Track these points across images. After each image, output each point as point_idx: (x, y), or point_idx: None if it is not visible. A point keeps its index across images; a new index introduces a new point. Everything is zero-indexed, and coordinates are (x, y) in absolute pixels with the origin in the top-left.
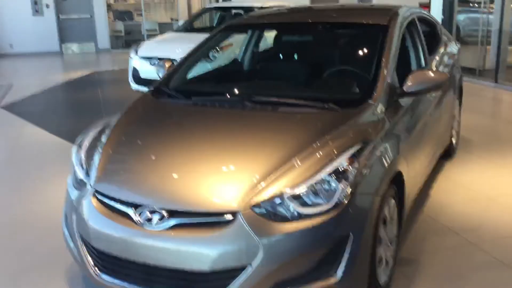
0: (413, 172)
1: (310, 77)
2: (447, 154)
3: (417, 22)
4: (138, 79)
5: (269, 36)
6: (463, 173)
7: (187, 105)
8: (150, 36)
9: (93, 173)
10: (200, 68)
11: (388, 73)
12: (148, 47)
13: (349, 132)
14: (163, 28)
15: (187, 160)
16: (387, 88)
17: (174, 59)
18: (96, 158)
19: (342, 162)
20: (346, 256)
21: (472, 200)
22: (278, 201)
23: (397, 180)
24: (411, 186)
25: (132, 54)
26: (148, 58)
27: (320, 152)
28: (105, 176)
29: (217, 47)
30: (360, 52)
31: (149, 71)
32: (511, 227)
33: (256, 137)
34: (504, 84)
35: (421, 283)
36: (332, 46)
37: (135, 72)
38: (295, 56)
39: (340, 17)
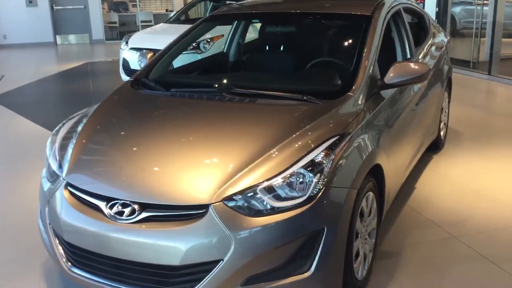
0: (394, 164)
1: (291, 69)
2: (435, 146)
3: (402, 12)
4: (129, 71)
5: (257, 27)
6: (450, 166)
7: (165, 96)
8: (145, 27)
9: (65, 165)
10: (189, 60)
11: (369, 65)
12: (139, 39)
13: (326, 124)
14: (158, 19)
15: (160, 152)
16: (368, 79)
17: None
18: (70, 149)
19: (317, 154)
20: (319, 250)
21: (458, 194)
22: (251, 194)
23: (377, 173)
24: (392, 179)
25: (123, 45)
26: (139, 50)
27: (296, 145)
28: (77, 167)
29: (208, 39)
30: (343, 43)
31: (137, 63)
32: (494, 221)
33: (233, 129)
34: (497, 76)
35: (401, 277)
36: (315, 37)
37: (126, 63)
38: (278, 48)
39: (324, 7)
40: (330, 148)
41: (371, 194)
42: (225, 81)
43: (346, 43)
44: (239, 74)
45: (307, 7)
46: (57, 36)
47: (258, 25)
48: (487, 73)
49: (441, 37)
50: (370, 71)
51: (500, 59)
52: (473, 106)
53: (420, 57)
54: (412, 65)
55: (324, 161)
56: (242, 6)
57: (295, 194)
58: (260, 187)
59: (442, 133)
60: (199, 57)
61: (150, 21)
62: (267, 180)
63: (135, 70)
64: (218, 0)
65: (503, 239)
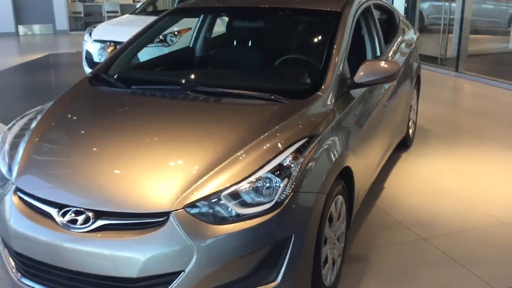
0: (364, 166)
1: (259, 66)
2: (404, 144)
3: (372, 9)
4: (92, 63)
5: (225, 20)
6: (418, 165)
7: (125, 94)
8: (111, 18)
9: (15, 167)
10: (155, 53)
11: (338, 63)
12: (103, 30)
13: (295, 126)
14: (125, 9)
15: (118, 155)
16: (337, 78)
17: None
18: (21, 149)
19: (285, 158)
20: (287, 258)
21: (426, 193)
22: (215, 200)
23: (346, 175)
24: (362, 181)
25: (86, 37)
26: (102, 42)
27: (264, 147)
28: (27, 170)
29: (175, 31)
30: (311, 40)
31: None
32: (462, 222)
33: (197, 130)
34: (464, 73)
35: (370, 281)
36: (284, 33)
37: (89, 56)
38: (245, 43)
39: (294, 2)
40: (299, 151)
41: (340, 197)
42: (189, 78)
43: (315, 40)
44: (205, 70)
45: (276, 2)
46: (19, 26)
47: (226, 19)
48: (455, 70)
49: (411, 34)
50: (340, 69)
51: (468, 55)
52: (440, 103)
53: (389, 54)
54: (382, 63)
55: (292, 165)
56: (206, 0)
57: (261, 199)
58: (225, 192)
59: (410, 131)
60: (165, 50)
61: (117, 12)
62: (233, 185)
63: (98, 63)
64: None
65: (471, 241)
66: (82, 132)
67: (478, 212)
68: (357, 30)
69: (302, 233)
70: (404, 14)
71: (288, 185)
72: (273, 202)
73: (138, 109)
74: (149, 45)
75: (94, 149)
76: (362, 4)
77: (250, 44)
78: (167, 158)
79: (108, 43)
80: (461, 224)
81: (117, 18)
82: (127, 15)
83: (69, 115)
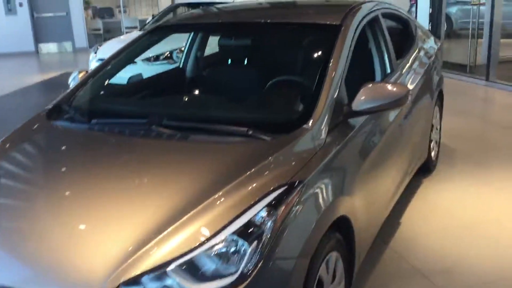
0: (369, 208)
1: (240, 93)
2: (426, 169)
3: (381, 19)
4: None
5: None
6: (441, 193)
7: (79, 131)
8: None
9: None
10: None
11: (333, 87)
12: (108, 48)
13: (271, 170)
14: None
15: (47, 214)
16: (332, 106)
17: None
18: None
19: (256, 213)
20: None
21: (449, 230)
22: (162, 273)
23: (343, 226)
24: (366, 228)
25: (91, 55)
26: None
27: (229, 201)
28: None
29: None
30: (305, 61)
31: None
32: (490, 269)
33: (149, 180)
34: (495, 82)
35: None
36: (276, 53)
37: None
38: (231, 66)
39: (288, 16)
40: (274, 205)
41: (334, 254)
42: (158, 109)
43: (309, 60)
44: (178, 99)
45: (268, 17)
46: (39, 45)
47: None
48: (485, 78)
49: (430, 44)
50: (335, 94)
51: (499, 62)
52: (469, 116)
53: (403, 71)
54: (386, 86)
55: (264, 223)
56: (195, 16)
57: (223, 271)
58: (176, 263)
59: (433, 153)
60: (172, 67)
61: (136, 27)
62: (187, 253)
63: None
64: (196, 5)
65: None
66: (12, 184)
67: (503, 253)
68: (363, 46)
69: None
70: (429, 19)
71: (258, 250)
72: (237, 274)
73: (87, 153)
74: (155, 63)
75: (19, 209)
76: (368, 14)
77: (236, 67)
78: (105, 218)
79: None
80: (489, 273)
81: (125, 35)
82: (135, 31)
83: (7, 160)
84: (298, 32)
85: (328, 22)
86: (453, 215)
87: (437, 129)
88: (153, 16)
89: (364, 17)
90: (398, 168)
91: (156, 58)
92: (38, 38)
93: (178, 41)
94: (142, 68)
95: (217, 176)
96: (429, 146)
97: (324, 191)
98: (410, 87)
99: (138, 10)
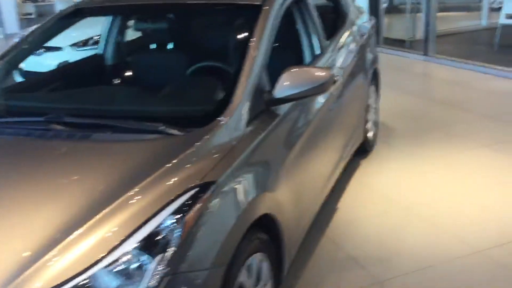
0: (297, 203)
1: (153, 83)
2: (363, 150)
3: None
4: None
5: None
6: (380, 175)
7: None
8: None
9: None
10: None
11: (253, 74)
12: None
13: (181, 171)
14: None
15: None
16: (251, 95)
17: (61, 48)
18: None
19: (160, 222)
20: None
21: (388, 213)
22: None
23: (269, 224)
24: (296, 223)
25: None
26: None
27: (130, 209)
28: None
29: None
30: (224, 45)
31: (34, 63)
32: (429, 253)
33: (41, 188)
34: (434, 57)
35: None
36: (193, 38)
37: None
38: (143, 54)
39: None
40: (181, 211)
41: (258, 255)
42: (61, 104)
43: (227, 45)
44: (86, 92)
45: None
46: None
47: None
48: (423, 53)
49: (363, 21)
50: (256, 82)
51: (438, 36)
52: (408, 93)
53: (333, 51)
54: (309, 70)
55: (171, 233)
56: None
57: None
58: (71, 284)
59: (371, 134)
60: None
61: None
62: (83, 271)
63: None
64: None
65: (437, 280)
66: None
67: (448, 237)
68: (288, 27)
69: None
70: None
71: (164, 264)
72: None
73: None
74: (83, 48)
75: None
76: None
77: (153, 53)
78: None
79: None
80: (427, 256)
81: None
82: None
83: None
84: (218, 14)
85: (248, 2)
86: (392, 197)
87: (374, 108)
88: None
89: None
90: (331, 153)
91: (85, 42)
92: None
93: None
94: (69, 54)
95: (118, 181)
96: (366, 127)
97: (242, 189)
98: (340, 68)
99: None
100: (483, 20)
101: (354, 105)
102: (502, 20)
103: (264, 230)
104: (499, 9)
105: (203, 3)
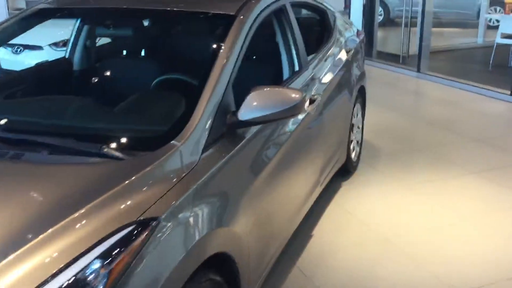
0: (261, 236)
1: (113, 97)
2: (346, 171)
3: (289, 10)
4: None
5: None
6: (360, 199)
7: None
8: None
9: None
10: None
11: (217, 92)
12: (33, 29)
13: (120, 203)
14: None
15: None
16: (213, 115)
17: (41, 47)
18: None
19: (84, 267)
20: None
21: (363, 245)
22: None
23: (224, 263)
24: (258, 259)
25: None
26: (11, 45)
27: (52, 250)
28: None
29: None
30: (189, 58)
31: (11, 62)
32: None
33: None
34: (426, 74)
35: None
36: (161, 47)
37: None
38: (106, 63)
39: (176, 2)
40: (111, 254)
41: None
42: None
43: (195, 58)
44: (33, 102)
45: (150, 2)
46: None
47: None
48: (416, 70)
49: (350, 36)
50: (219, 100)
51: (432, 52)
52: (396, 111)
53: (315, 68)
54: (278, 91)
55: (97, 280)
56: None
57: None
58: None
59: (353, 154)
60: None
61: None
62: None
63: (6, 71)
64: None
65: None
66: None
67: (425, 275)
68: (265, 40)
69: None
70: (363, 6)
71: None
72: None
73: None
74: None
75: None
76: (272, 4)
77: (117, 63)
78: None
79: (22, 47)
80: None
81: None
82: None
83: None
84: (189, 22)
85: (221, 12)
86: (369, 227)
87: (358, 128)
88: None
89: (267, 7)
90: (307, 177)
91: (65, 43)
92: None
93: None
94: (48, 54)
95: (43, 213)
96: (348, 147)
97: (190, 225)
98: (322, 84)
99: None
100: (479, 38)
101: (336, 124)
102: (498, 39)
103: (218, 271)
104: (496, 27)
105: (173, 10)
